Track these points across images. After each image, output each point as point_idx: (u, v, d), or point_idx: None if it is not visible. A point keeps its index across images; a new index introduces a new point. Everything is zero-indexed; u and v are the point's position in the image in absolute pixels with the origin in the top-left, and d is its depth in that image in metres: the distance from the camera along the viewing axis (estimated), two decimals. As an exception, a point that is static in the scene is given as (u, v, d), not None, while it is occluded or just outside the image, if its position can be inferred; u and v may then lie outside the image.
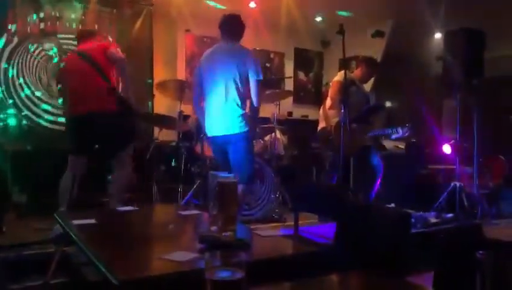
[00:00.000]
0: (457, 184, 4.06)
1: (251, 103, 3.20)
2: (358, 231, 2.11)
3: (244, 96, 3.18)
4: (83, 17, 4.87)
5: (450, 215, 3.55)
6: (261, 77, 3.20)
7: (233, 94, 3.13)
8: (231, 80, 3.13)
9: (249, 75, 3.14)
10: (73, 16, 4.82)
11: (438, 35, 5.86)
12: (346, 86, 3.65)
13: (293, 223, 2.64)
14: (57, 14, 4.70)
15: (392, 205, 3.88)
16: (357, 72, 4.32)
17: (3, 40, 4.40)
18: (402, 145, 5.27)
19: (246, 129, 3.14)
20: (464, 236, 2.95)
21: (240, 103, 3.15)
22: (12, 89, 4.46)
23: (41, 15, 4.59)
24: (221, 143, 3.23)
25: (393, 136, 4.10)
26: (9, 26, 4.43)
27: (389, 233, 2.15)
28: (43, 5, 4.58)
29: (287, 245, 2.09)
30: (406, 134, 4.01)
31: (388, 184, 4.25)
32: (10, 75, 4.45)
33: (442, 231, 3.02)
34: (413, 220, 3.15)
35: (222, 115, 3.16)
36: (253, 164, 3.32)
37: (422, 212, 3.60)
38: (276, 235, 2.13)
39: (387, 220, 2.27)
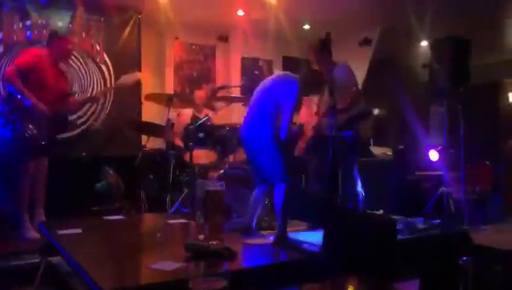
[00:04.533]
0: (445, 190, 4.09)
1: None
2: (346, 238, 2.12)
3: None
4: (70, 25, 4.84)
5: (437, 221, 3.57)
6: None
7: None
8: None
9: None
10: (60, 24, 4.78)
11: (424, 43, 5.94)
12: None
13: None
14: (44, 22, 4.66)
15: (380, 211, 3.89)
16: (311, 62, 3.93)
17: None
18: (390, 152, 5.31)
19: None
20: (451, 242, 2.98)
21: None
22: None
23: (28, 23, 4.55)
24: None
25: None
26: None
27: (376, 240, 2.16)
28: (30, 12, 4.54)
29: (275, 253, 2.09)
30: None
31: (376, 191, 4.27)
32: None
33: (428, 237, 3.03)
34: (400, 226, 3.16)
35: None
36: None
37: (410, 218, 3.62)
38: (264, 243, 2.13)
39: (374, 227, 2.29)
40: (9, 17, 4.37)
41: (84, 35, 4.87)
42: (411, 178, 4.85)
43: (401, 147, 5.28)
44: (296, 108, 3.40)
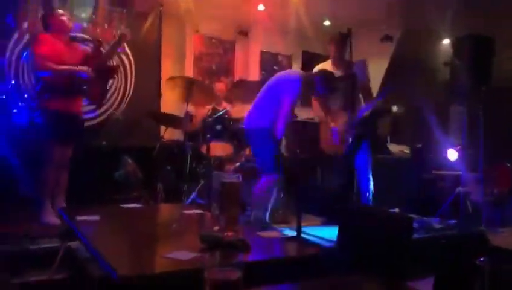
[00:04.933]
0: (462, 190, 4.04)
1: None
2: (360, 235, 2.12)
3: None
4: (93, 16, 4.91)
5: (453, 221, 3.54)
6: None
7: None
8: None
9: None
10: (83, 15, 4.86)
11: (446, 41, 5.85)
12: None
13: (295, 224, 2.65)
14: (68, 13, 4.74)
15: (396, 209, 3.87)
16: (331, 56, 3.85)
17: (16, 37, 4.45)
18: (407, 150, 5.26)
19: None
20: (467, 243, 2.95)
21: None
22: (22, 82, 4.50)
23: (52, 13, 4.64)
24: None
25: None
26: (22, 25, 4.49)
27: (391, 237, 2.15)
28: (53, 3, 4.63)
29: (289, 247, 2.11)
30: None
31: (392, 188, 4.24)
32: (22, 67, 4.50)
33: (444, 237, 3.01)
34: (416, 225, 3.15)
35: None
36: None
37: (426, 217, 3.60)
38: (278, 237, 2.14)
39: (390, 224, 2.28)
40: (34, 7, 4.46)
41: (106, 26, 4.94)
42: (428, 177, 4.80)
43: (419, 145, 5.22)
44: (303, 103, 3.44)
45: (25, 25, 4.50)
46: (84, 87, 3.60)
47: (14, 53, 4.41)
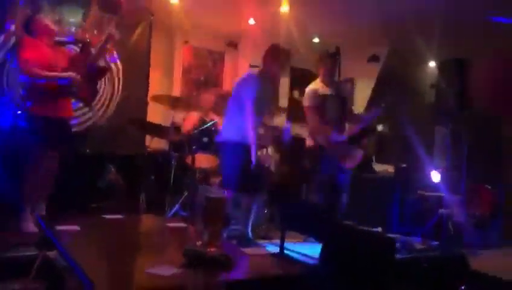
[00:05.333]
0: (445, 212, 4.08)
1: None
2: (344, 254, 2.11)
3: None
4: (83, 22, 4.88)
5: (435, 242, 3.57)
6: None
7: None
8: None
9: None
10: (73, 20, 4.82)
11: (432, 64, 5.95)
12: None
13: (279, 240, 2.64)
14: (56, 18, 4.69)
15: (379, 228, 3.89)
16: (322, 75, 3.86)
17: (1, 39, 4.39)
18: (392, 170, 5.30)
19: None
20: (448, 265, 2.97)
21: None
22: (6, 85, 4.42)
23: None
24: None
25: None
26: (10, 27, 4.43)
27: (374, 257, 2.15)
28: (42, 6, 4.58)
29: (273, 264, 2.09)
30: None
31: (376, 207, 4.26)
32: (5, 71, 4.43)
33: (426, 258, 3.02)
34: (398, 244, 3.16)
35: None
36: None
37: (408, 237, 3.61)
38: (261, 254, 2.12)
39: (371, 244, 2.28)
40: (22, 11, 4.40)
41: (95, 32, 4.90)
42: (412, 197, 4.84)
43: (404, 165, 5.27)
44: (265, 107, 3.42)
45: (12, 27, 4.43)
46: (73, 89, 3.55)
47: (-1, 52, 4.34)
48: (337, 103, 3.79)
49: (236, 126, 3.22)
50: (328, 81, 3.77)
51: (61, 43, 4.03)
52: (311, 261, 2.31)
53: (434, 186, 4.62)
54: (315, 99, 3.76)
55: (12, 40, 4.41)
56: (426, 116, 5.65)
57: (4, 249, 2.93)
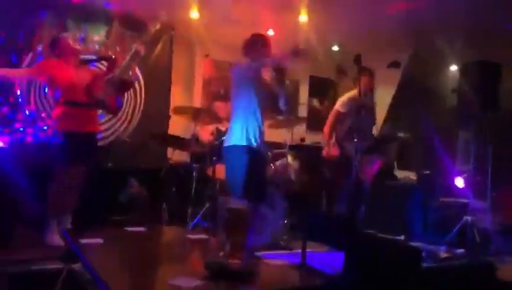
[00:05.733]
0: (469, 218, 3.99)
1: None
2: (367, 264, 2.09)
3: None
4: (106, 39, 5.01)
5: (461, 250, 3.48)
6: None
7: None
8: None
9: None
10: (96, 38, 4.96)
11: (453, 68, 5.87)
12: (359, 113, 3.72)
13: (300, 250, 2.62)
14: (81, 36, 4.84)
15: (402, 237, 3.82)
16: (363, 86, 4.14)
17: (29, 58, 4.54)
18: (414, 177, 5.22)
19: None
20: (474, 273, 2.89)
21: None
22: (33, 102, 4.58)
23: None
24: None
25: None
26: (37, 47, 4.59)
27: (399, 266, 2.12)
28: (69, 26, 4.73)
29: (295, 275, 2.08)
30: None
31: (398, 215, 4.19)
32: (33, 89, 4.58)
33: (453, 267, 2.95)
34: (423, 253, 3.10)
35: None
36: None
37: (432, 245, 3.54)
38: (283, 264, 2.11)
39: (396, 253, 2.25)
40: (49, 30, 4.55)
41: (118, 49, 5.02)
42: (435, 204, 4.75)
43: (427, 171, 5.18)
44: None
45: (40, 47, 4.59)
46: (102, 100, 3.64)
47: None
48: (370, 113, 4.13)
49: (239, 129, 3.13)
50: (368, 92, 4.18)
51: (86, 61, 4.15)
52: (333, 272, 2.29)
53: (458, 193, 4.53)
54: (350, 106, 4.13)
55: (40, 59, 4.56)
56: (448, 121, 5.56)
57: (30, 262, 3.00)
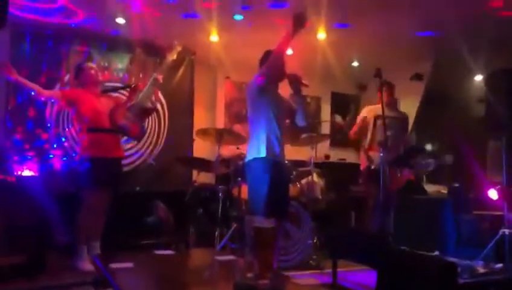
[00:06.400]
0: (506, 231, 3.84)
1: None
2: (401, 281, 2.03)
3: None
4: (129, 66, 5.14)
5: (499, 265, 3.34)
6: None
7: None
8: None
9: None
10: (120, 66, 5.10)
11: (478, 77, 5.76)
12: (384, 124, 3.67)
13: (331, 270, 2.57)
14: (106, 65, 4.98)
15: (436, 253, 3.70)
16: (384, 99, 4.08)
17: (58, 88, 4.69)
18: (444, 190, 5.09)
19: None
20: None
21: None
22: (61, 132, 4.71)
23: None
24: None
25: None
26: (65, 77, 4.75)
27: (434, 283, 2.05)
28: (93, 56, 4.89)
29: (325, 294, 2.03)
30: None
31: (431, 231, 4.08)
32: (60, 119, 4.72)
33: (490, 282, 2.83)
34: (459, 269, 2.99)
35: None
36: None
37: (468, 261, 3.41)
38: (313, 284, 2.07)
39: (432, 269, 2.17)
40: (75, 60, 4.72)
41: (141, 75, 5.14)
42: (468, 218, 4.60)
43: (457, 184, 5.04)
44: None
45: (67, 77, 4.74)
46: (124, 126, 3.73)
47: (55, 103, 4.63)
48: (395, 125, 4.10)
49: (257, 142, 3.01)
50: (390, 105, 4.21)
51: (109, 91, 4.29)
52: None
53: (491, 205, 4.38)
54: (369, 113, 4.26)
55: (67, 88, 4.71)
56: (476, 132, 5.43)
57: (63, 288, 3.04)
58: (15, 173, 4.16)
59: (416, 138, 5.72)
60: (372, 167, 4.10)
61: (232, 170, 4.38)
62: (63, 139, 4.72)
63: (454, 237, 4.25)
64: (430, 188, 5.10)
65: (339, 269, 2.54)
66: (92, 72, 3.85)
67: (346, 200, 5.38)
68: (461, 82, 6.01)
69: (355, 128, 4.55)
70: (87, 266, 3.49)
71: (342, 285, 2.33)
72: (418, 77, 6.01)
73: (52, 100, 4.07)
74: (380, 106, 3.99)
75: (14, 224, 3.44)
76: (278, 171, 2.91)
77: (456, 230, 4.33)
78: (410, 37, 4.98)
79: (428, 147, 6.22)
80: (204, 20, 4.57)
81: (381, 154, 3.73)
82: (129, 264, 2.20)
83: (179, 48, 4.26)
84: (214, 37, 4.97)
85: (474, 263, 3.37)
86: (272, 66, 3.06)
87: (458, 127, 5.74)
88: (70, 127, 4.71)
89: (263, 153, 2.92)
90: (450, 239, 4.20)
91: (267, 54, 3.22)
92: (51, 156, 4.63)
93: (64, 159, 4.67)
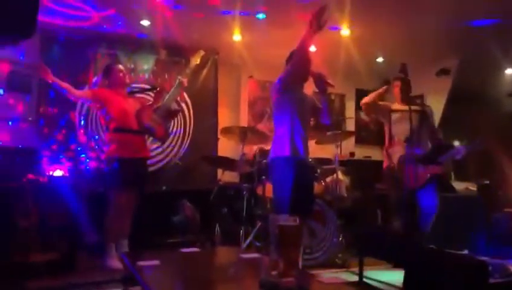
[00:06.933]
0: (539, 229, 3.72)
1: None
2: (429, 280, 1.99)
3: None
4: (155, 68, 5.22)
5: (532, 264, 3.24)
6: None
7: None
8: None
9: None
10: (146, 67, 5.19)
11: (508, 71, 5.59)
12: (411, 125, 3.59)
13: (357, 268, 2.55)
14: (132, 66, 5.08)
15: (465, 251, 3.62)
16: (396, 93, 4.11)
17: (86, 88, 4.80)
18: (473, 187, 4.97)
19: None
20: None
21: None
22: (90, 133, 4.82)
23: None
24: None
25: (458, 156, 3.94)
26: (93, 79, 4.87)
27: (464, 283, 2.00)
28: (120, 58, 4.98)
29: (351, 293, 2.01)
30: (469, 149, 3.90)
31: (460, 229, 3.98)
32: (89, 121, 4.83)
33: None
34: (490, 268, 2.91)
35: None
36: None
37: (499, 259, 3.32)
38: (339, 283, 2.05)
39: (462, 268, 2.13)
40: (102, 63, 4.82)
41: (166, 76, 5.22)
42: (498, 216, 4.47)
43: (486, 181, 4.92)
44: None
45: (94, 80, 4.85)
46: (150, 128, 3.81)
47: (84, 105, 4.74)
48: (416, 117, 3.88)
49: (281, 141, 3.02)
50: (405, 99, 3.97)
51: (135, 92, 4.37)
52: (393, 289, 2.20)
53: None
54: (385, 106, 4.06)
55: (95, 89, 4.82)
56: (507, 127, 5.28)
57: (93, 286, 3.11)
58: (47, 174, 4.29)
59: (443, 135, 5.60)
60: (392, 165, 4.01)
61: (256, 169, 4.39)
62: (93, 140, 4.83)
63: (485, 235, 4.14)
64: (459, 185, 4.99)
65: (365, 268, 2.51)
66: (121, 74, 3.93)
67: (372, 198, 5.32)
68: (490, 77, 5.86)
69: (372, 96, 4.21)
70: (116, 264, 3.56)
71: (368, 283, 2.30)
72: (444, 72, 5.87)
73: (82, 100, 4.16)
74: (397, 101, 3.97)
75: (46, 223, 3.55)
76: (301, 170, 2.91)
77: (487, 228, 4.22)
78: (436, 32, 4.87)
79: (457, 143, 6.08)
80: (227, 19, 4.60)
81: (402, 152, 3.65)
82: (156, 262, 2.23)
83: (202, 53, 4.32)
84: (237, 37, 5.00)
85: (506, 262, 3.27)
86: (296, 65, 3.05)
87: (487, 123, 5.59)
88: (98, 128, 4.81)
89: (287, 152, 2.93)
90: (481, 237, 4.09)
91: (291, 55, 3.22)
92: (83, 155, 4.75)
93: (93, 159, 4.78)
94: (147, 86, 4.86)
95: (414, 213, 3.64)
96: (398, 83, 4.04)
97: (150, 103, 4.05)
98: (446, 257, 2.33)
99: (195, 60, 4.33)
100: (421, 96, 6.20)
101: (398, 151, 3.91)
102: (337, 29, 4.69)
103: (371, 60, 5.86)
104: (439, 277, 1.97)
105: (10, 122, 4.57)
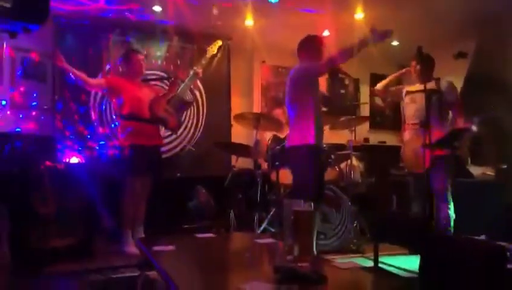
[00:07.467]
0: (559, 215, 3.65)
1: None
2: (446, 266, 1.97)
3: None
4: (167, 54, 5.21)
5: (551, 249, 3.19)
6: None
7: None
8: None
9: None
10: (158, 53, 5.18)
11: (528, 53, 5.44)
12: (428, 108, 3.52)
13: (372, 254, 2.54)
14: (144, 52, 5.07)
15: (482, 236, 3.59)
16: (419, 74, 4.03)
17: (100, 77, 4.83)
18: (490, 172, 4.89)
19: None
20: None
21: None
22: (104, 121, 4.85)
23: (131, 54, 4.99)
24: None
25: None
26: (105, 67, 4.88)
27: (481, 269, 1.97)
28: (132, 44, 4.99)
29: (367, 279, 2.00)
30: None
31: (477, 214, 3.94)
32: (103, 109, 4.86)
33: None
34: (508, 254, 2.88)
35: None
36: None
37: (518, 245, 3.28)
38: (354, 268, 2.04)
39: (479, 254, 2.10)
40: (115, 49, 4.83)
41: (179, 62, 5.21)
42: (517, 201, 4.41)
43: (504, 166, 4.83)
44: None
45: (107, 67, 4.87)
46: (163, 117, 3.82)
47: (99, 93, 4.77)
48: (429, 99, 3.73)
49: (303, 129, 3.12)
50: (423, 77, 3.83)
51: (149, 80, 4.37)
52: (409, 275, 2.19)
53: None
54: (398, 90, 4.07)
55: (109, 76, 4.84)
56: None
57: (110, 271, 3.17)
58: (63, 161, 4.35)
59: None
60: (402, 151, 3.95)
61: (270, 155, 4.39)
62: (108, 127, 4.86)
63: (503, 220, 4.09)
64: (476, 170, 4.91)
65: (381, 254, 2.50)
66: (141, 64, 3.93)
67: (387, 184, 5.28)
68: (508, 60, 5.71)
69: (384, 82, 4.23)
70: (132, 249, 3.62)
71: (383, 269, 2.29)
72: (462, 55, 5.74)
73: (97, 88, 4.18)
74: (418, 82, 3.90)
75: (64, 209, 3.61)
76: (321, 157, 3.02)
77: (504, 213, 4.17)
78: (453, 14, 4.76)
79: (474, 128, 5.98)
80: (239, 4, 4.55)
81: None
82: (171, 247, 2.25)
83: (219, 43, 4.29)
84: (249, 22, 4.95)
85: (524, 247, 3.23)
86: (326, 68, 3.29)
87: (505, 107, 5.48)
88: (113, 115, 4.85)
89: (311, 140, 3.00)
90: (498, 223, 4.04)
91: (308, 40, 3.26)
92: (100, 142, 4.80)
93: (109, 147, 4.82)
94: (162, 74, 4.86)
95: (431, 198, 3.60)
96: (413, 63, 4.03)
97: (165, 92, 4.06)
98: (462, 242, 2.30)
99: (212, 50, 4.31)
100: (437, 80, 6.09)
101: (407, 136, 3.87)
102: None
103: (386, 43, 5.75)
104: (455, 262, 1.95)
105: (26, 111, 4.63)
